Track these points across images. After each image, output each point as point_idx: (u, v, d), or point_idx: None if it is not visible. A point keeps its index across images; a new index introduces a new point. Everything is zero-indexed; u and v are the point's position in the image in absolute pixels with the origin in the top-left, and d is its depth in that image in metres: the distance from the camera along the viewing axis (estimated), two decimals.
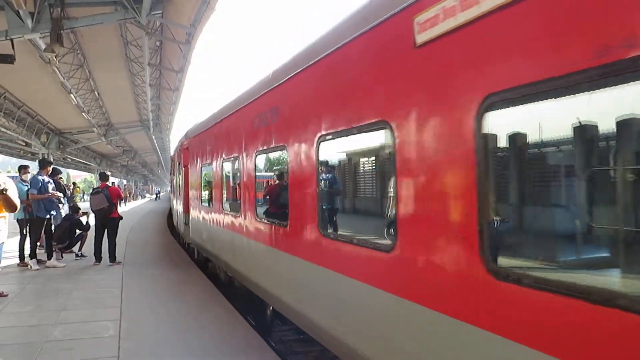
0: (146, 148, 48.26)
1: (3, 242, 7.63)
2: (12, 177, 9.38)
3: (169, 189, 39.21)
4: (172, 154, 23.50)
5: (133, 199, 59.49)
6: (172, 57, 17.96)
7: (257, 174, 6.78)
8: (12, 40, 11.16)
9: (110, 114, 29.77)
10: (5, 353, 5.47)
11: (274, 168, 6.63)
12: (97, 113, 27.80)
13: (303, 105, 5.09)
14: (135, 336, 5.99)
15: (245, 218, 7.20)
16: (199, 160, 11.28)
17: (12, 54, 10.87)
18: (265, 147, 6.23)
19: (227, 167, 8.71)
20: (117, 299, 7.88)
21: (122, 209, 16.13)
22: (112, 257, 11.37)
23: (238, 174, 7.72)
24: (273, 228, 5.98)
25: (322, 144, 4.60)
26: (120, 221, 11.90)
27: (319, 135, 4.60)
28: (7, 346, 5.69)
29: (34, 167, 13.13)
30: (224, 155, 8.63)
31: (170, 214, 28.24)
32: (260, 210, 6.76)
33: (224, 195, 8.96)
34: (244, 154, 7.19)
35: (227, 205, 8.76)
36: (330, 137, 4.45)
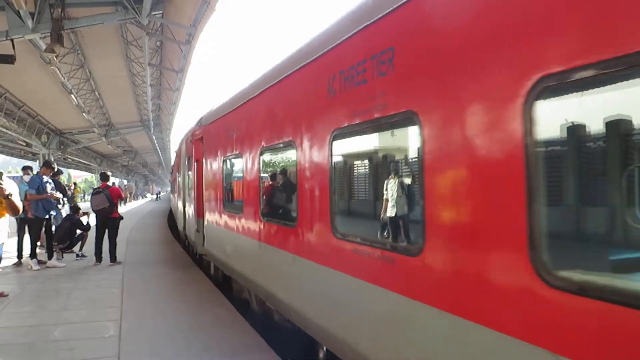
0: (147, 148, 48.31)
1: (3, 242, 7.63)
2: (14, 178, 9.41)
3: (170, 189, 38.89)
4: (176, 148, 20.02)
5: (134, 199, 59.52)
6: (173, 57, 17.99)
7: (335, 165, 4.38)
8: (12, 40, 11.18)
9: (111, 114, 29.82)
10: (5, 353, 5.47)
11: (390, 154, 4.11)
12: (98, 113, 27.85)
13: (488, 25, 2.66)
14: (135, 336, 5.99)
15: (310, 232, 4.79)
16: (220, 152, 8.60)
17: (13, 54, 10.88)
18: (356, 123, 3.90)
19: (271, 159, 6.36)
20: (118, 299, 7.88)
21: (122, 209, 16.10)
22: (113, 257, 11.37)
23: (292, 169, 5.33)
24: (382, 256, 3.57)
25: (546, 102, 2.30)
26: (121, 221, 11.91)
27: (536, 81, 2.29)
28: (7, 346, 5.69)
29: (35, 167, 13.15)
30: (263, 143, 6.11)
31: (170, 213, 28.20)
32: (350, 223, 4.44)
33: (265, 198, 6.36)
34: (306, 138, 4.84)
35: (269, 212, 6.29)
36: (577, 77, 2.13)
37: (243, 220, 7.09)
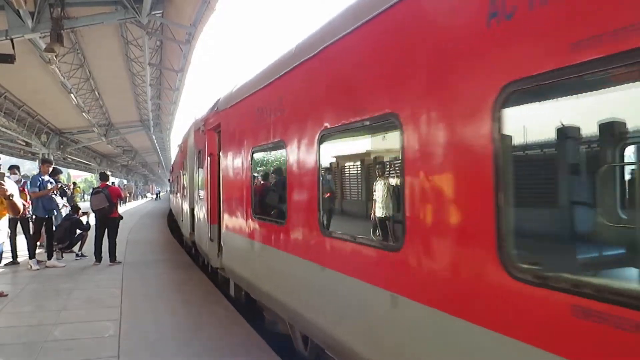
0: (146, 148, 48.32)
1: (3, 242, 7.63)
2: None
3: (169, 188, 38.47)
4: (180, 142, 17.47)
5: (133, 199, 59.53)
6: (173, 57, 17.99)
7: (515, 147, 2.55)
8: (12, 40, 11.18)
9: (111, 114, 29.82)
10: (5, 353, 5.47)
11: None
12: (98, 113, 27.85)
13: None
14: (135, 336, 5.97)
15: (435, 263, 2.97)
16: (246, 141, 6.63)
17: (13, 54, 10.88)
18: (609, 56, 1.93)
19: (342, 145, 4.43)
20: (117, 299, 7.87)
21: (122, 208, 16.08)
22: (112, 257, 11.36)
23: (391, 158, 3.77)
24: None
25: None
26: (121, 221, 11.90)
27: None
28: (7, 346, 5.68)
29: (34, 166, 13.14)
30: (326, 124, 4.24)
31: (170, 213, 28.16)
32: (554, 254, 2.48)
33: (331, 204, 4.51)
34: (425, 108, 3.05)
35: (340, 226, 4.36)
36: None
37: (288, 233, 5.12)
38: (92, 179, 70.55)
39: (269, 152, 6.11)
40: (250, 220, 6.46)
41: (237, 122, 7.30)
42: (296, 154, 4.90)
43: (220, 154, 8.25)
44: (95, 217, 11.46)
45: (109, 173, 12.64)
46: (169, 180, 34.82)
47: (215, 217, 8.71)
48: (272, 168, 6.24)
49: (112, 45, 17.10)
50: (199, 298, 7.99)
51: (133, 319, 6.69)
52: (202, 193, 10.25)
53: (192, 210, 12.23)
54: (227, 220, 7.79)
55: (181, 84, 20.59)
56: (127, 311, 7.12)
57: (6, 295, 8.02)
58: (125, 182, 68.72)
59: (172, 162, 30.59)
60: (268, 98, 5.81)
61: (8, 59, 10.84)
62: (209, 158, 9.22)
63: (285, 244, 5.23)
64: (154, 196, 76.16)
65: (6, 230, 7.55)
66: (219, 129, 8.41)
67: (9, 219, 10.92)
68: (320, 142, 4.36)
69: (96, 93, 23.55)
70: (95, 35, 15.35)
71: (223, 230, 8.08)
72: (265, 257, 5.96)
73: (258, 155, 6.38)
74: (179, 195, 18.40)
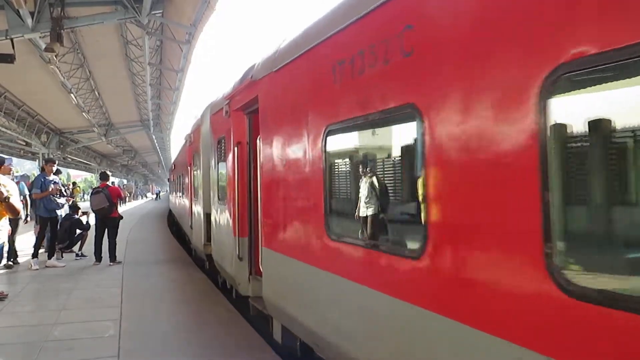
0: (146, 148, 48.36)
1: (4, 242, 7.64)
2: None
3: (169, 187, 38.07)
4: (189, 131, 13.39)
5: (133, 199, 59.56)
6: (173, 57, 18.01)
7: None
8: (12, 39, 11.19)
9: (111, 114, 29.85)
10: (5, 353, 5.47)
11: None
12: (97, 113, 27.88)
13: None
14: (135, 336, 5.97)
15: None
16: (312, 117, 4.26)
17: (12, 54, 10.89)
18: None
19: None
20: (117, 299, 7.87)
21: (122, 208, 16.07)
22: (112, 257, 11.35)
23: None
24: None
25: None
26: (121, 221, 11.90)
27: None
28: (7, 346, 5.68)
29: (34, 166, 13.14)
30: (586, 47, 1.82)
31: (170, 213, 28.14)
32: None
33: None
34: None
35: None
36: None
37: (433, 276, 2.77)
38: (92, 179, 70.61)
39: (368, 129, 3.72)
40: (325, 240, 4.07)
41: (292, 91, 4.85)
42: (458, 128, 2.54)
43: (259, 139, 5.82)
44: (95, 217, 11.46)
45: (109, 173, 12.62)
46: (169, 179, 34.51)
47: (245, 227, 6.66)
48: (378, 156, 3.74)
49: (112, 45, 17.11)
50: (199, 298, 7.99)
51: (133, 319, 6.69)
52: (224, 194, 7.93)
53: (207, 215, 9.73)
54: (272, 234, 5.40)
55: (181, 84, 20.62)
56: (127, 311, 7.11)
57: (6, 295, 8.02)
58: (125, 181, 68.79)
59: (172, 162, 30.28)
60: (371, 36, 3.34)
61: (8, 58, 10.85)
62: (235, 148, 6.94)
63: (429, 296, 2.79)
64: (154, 196, 76.19)
65: (7, 230, 7.56)
66: (253, 107, 6.16)
67: (11, 219, 10.96)
68: (549, 94, 2.02)
69: (96, 93, 23.58)
70: (95, 35, 15.36)
71: (266, 250, 5.57)
72: (369, 309, 3.43)
73: (339, 137, 3.99)
74: (184, 195, 15.65)
